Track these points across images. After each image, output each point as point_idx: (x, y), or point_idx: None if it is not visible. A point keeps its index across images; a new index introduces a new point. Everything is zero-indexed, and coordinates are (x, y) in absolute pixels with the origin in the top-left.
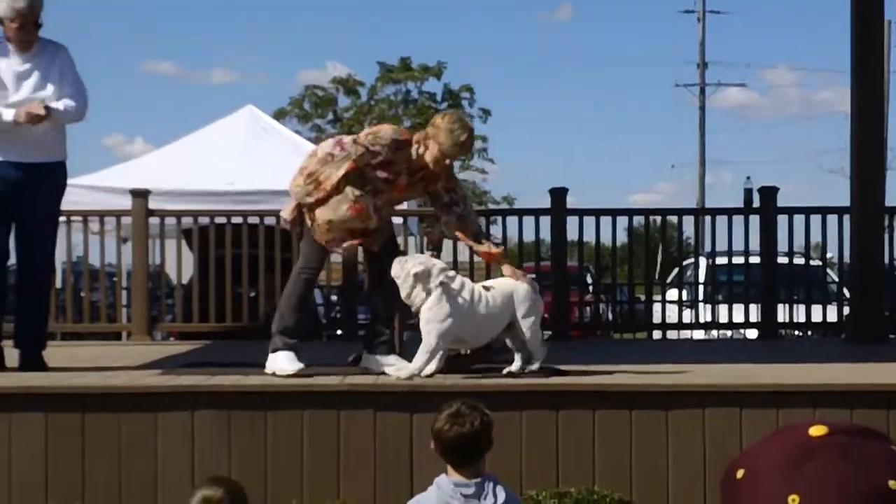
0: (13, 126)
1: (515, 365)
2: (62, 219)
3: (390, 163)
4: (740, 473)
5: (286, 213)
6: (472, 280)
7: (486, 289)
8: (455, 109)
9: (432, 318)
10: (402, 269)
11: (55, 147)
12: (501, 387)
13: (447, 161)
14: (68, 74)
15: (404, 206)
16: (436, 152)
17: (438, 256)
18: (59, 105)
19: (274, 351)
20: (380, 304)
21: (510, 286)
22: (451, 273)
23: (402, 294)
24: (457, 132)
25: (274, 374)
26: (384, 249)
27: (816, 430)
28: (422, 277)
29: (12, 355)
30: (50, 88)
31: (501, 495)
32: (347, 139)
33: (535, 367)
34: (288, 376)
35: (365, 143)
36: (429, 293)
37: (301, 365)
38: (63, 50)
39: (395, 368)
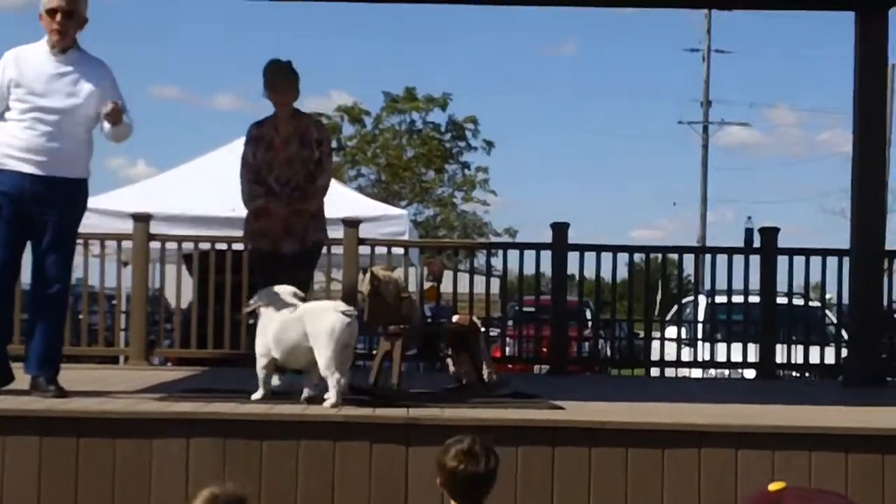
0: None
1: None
2: None
3: (260, 136)
4: None
5: None
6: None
7: (294, 310)
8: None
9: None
10: None
11: (77, 164)
12: (498, 421)
13: (278, 101)
14: (111, 90)
15: (405, 236)
16: (268, 99)
17: (438, 287)
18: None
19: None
20: None
21: (304, 309)
22: (270, 299)
23: None
24: (265, 76)
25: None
26: (301, 272)
27: (776, 486)
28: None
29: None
30: (82, 97)
31: None
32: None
33: (331, 399)
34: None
35: (245, 144)
36: None
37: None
38: (106, 68)
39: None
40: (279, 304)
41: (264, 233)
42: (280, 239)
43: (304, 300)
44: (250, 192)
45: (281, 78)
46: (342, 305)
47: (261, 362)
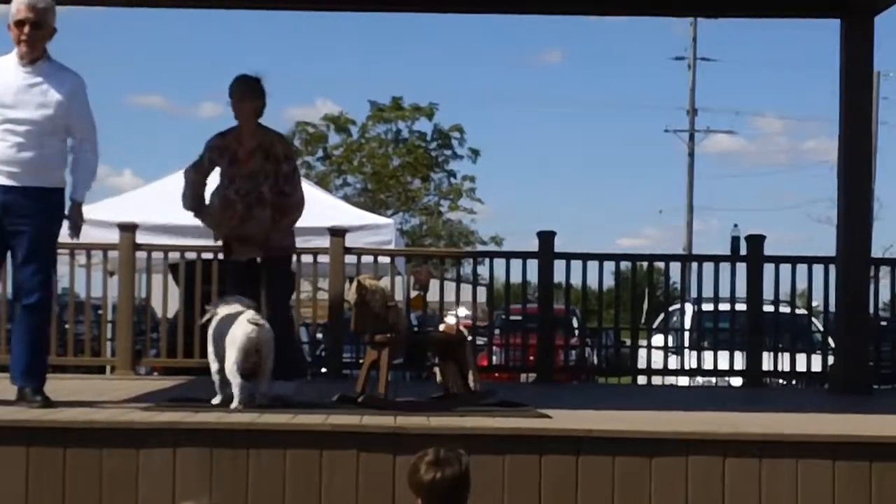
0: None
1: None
2: None
3: (224, 147)
4: None
5: None
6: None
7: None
8: None
9: None
10: None
11: (52, 173)
12: (484, 429)
13: (237, 111)
14: (78, 107)
15: (392, 245)
16: (232, 109)
17: (425, 296)
18: (82, 190)
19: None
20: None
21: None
22: (221, 308)
23: None
24: (229, 88)
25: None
26: (274, 281)
27: None
28: None
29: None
30: (53, 107)
31: None
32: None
33: (234, 402)
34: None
35: (203, 150)
36: None
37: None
38: (78, 79)
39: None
40: (227, 312)
41: (221, 240)
42: (232, 246)
43: (257, 310)
44: (187, 194)
45: (246, 89)
46: (251, 315)
47: (213, 368)
